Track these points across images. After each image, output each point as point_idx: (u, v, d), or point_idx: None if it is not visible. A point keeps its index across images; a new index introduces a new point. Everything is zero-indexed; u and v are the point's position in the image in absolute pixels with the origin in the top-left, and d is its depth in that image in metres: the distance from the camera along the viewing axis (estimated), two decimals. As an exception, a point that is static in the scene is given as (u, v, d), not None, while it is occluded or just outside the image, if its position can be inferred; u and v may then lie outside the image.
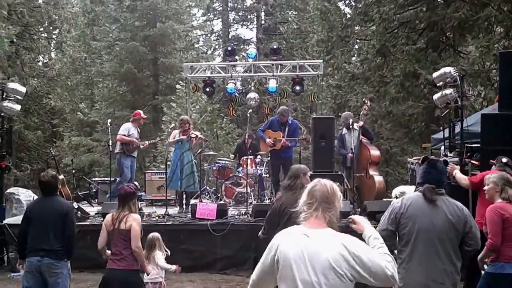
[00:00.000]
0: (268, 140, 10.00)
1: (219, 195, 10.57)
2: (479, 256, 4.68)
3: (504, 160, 5.87)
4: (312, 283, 2.61)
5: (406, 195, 4.07)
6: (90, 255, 7.04)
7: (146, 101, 21.62)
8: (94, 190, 12.13)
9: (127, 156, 10.07)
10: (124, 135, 10.03)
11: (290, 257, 2.69)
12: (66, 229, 5.01)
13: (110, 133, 10.68)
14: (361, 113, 9.21)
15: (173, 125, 11.17)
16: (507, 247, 4.47)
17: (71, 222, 5.11)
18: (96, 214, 9.40)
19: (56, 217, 5.01)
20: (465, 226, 3.70)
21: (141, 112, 10.51)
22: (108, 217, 5.06)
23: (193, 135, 9.54)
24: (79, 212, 9.03)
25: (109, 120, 11.66)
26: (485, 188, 4.97)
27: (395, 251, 3.79)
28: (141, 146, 10.44)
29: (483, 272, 4.76)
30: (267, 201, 10.15)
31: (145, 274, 5.76)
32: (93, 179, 13.71)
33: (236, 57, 13.75)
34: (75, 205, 9.25)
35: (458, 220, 3.69)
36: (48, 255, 4.99)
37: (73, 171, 13.19)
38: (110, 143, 10.35)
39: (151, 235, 6.01)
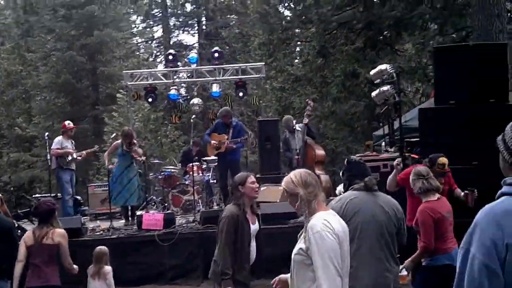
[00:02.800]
0: (212, 141, 9.86)
1: (166, 204, 10.33)
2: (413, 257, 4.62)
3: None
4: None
5: (339, 196, 4.01)
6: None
7: (86, 112, 20.99)
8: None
9: (65, 170, 9.70)
10: (58, 148, 9.64)
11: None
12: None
13: (48, 147, 10.26)
14: (305, 113, 9.26)
15: (114, 134, 10.83)
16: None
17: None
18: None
19: None
20: (399, 221, 3.75)
21: (66, 123, 10.15)
22: (29, 233, 4.96)
23: (137, 158, 9.30)
24: (19, 231, 8.61)
25: (46, 133, 11.11)
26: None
27: None
28: (78, 158, 10.08)
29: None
30: (215, 207, 9.99)
31: None
32: (34, 196, 13.12)
33: (179, 63, 13.59)
34: (15, 224, 8.82)
35: (394, 214, 3.73)
36: None
37: (11, 189, 12.56)
38: (49, 157, 9.92)
39: (98, 248, 5.82)
